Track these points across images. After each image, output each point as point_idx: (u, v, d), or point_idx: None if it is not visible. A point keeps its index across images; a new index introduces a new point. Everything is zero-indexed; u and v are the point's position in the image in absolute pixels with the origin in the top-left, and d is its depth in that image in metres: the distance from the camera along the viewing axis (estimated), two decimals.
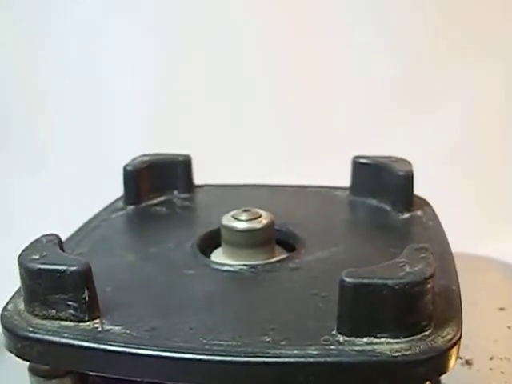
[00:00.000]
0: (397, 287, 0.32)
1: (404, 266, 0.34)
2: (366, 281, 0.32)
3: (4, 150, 0.92)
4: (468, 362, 0.43)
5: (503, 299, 0.51)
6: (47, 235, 0.39)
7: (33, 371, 0.38)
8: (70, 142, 0.91)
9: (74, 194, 0.74)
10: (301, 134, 0.85)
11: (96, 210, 0.51)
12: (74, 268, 0.35)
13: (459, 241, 0.47)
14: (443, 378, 0.40)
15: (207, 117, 0.85)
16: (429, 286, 0.33)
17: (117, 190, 0.52)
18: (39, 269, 0.35)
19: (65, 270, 0.35)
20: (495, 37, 0.87)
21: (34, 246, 0.38)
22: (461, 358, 0.43)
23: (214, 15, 0.86)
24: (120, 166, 0.51)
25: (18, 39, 0.91)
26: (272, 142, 0.84)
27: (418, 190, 0.50)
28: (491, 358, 0.43)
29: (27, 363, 0.38)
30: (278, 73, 0.87)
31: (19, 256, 0.36)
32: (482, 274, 0.56)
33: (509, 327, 0.47)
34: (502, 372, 0.42)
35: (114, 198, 0.53)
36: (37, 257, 0.36)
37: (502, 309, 0.50)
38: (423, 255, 0.35)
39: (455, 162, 0.86)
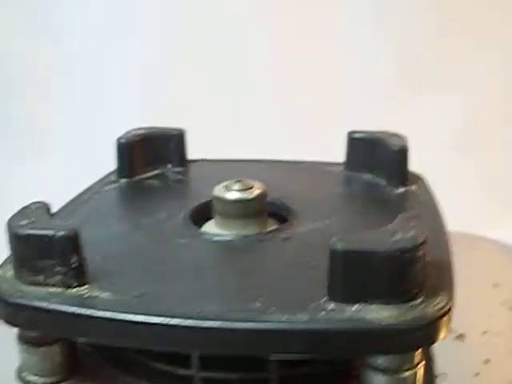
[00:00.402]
0: (387, 253, 0.32)
1: (395, 233, 0.33)
2: (356, 247, 0.32)
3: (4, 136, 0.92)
4: (461, 336, 0.42)
5: (498, 276, 0.51)
6: (36, 202, 0.39)
7: (21, 339, 0.38)
8: (70, 126, 0.91)
9: (73, 175, 0.73)
10: (298, 114, 0.85)
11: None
12: (63, 233, 0.34)
13: (457, 222, 0.47)
14: (436, 351, 0.40)
15: (203, 92, 0.84)
16: (420, 253, 0.33)
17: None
18: (28, 234, 0.35)
19: (53, 235, 0.34)
20: (496, 25, 0.86)
21: (23, 212, 0.37)
22: (453, 331, 0.42)
23: None
24: None
25: (17, 20, 0.90)
26: (269, 118, 0.84)
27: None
28: (484, 333, 0.43)
29: (15, 334, 0.38)
30: (278, 48, 0.86)
31: (8, 221, 0.36)
32: (478, 252, 0.56)
33: (502, 303, 0.47)
34: (495, 346, 0.42)
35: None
36: (25, 222, 0.36)
37: (496, 285, 0.49)
38: (414, 223, 0.34)
39: (456, 149, 0.85)
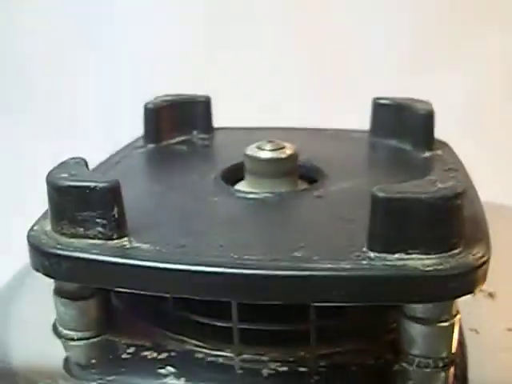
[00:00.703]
0: (429, 201, 0.32)
1: (436, 182, 0.34)
2: (398, 195, 0.32)
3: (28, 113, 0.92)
4: (491, 295, 0.43)
5: None
6: (73, 158, 0.39)
7: (58, 293, 0.38)
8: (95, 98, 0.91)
9: (95, 142, 0.73)
10: (313, 81, 0.85)
11: None
12: (104, 184, 0.35)
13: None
14: (468, 307, 0.40)
15: (227, 62, 0.85)
16: (460, 201, 0.33)
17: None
18: (69, 185, 0.35)
19: (94, 187, 0.35)
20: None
21: (62, 166, 0.38)
22: (483, 290, 0.43)
23: None
24: None
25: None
26: (293, 88, 0.84)
27: None
28: None
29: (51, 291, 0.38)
30: (299, 13, 0.86)
31: (48, 175, 0.36)
32: (506, 220, 0.56)
33: None
34: None
35: None
36: (66, 175, 0.36)
37: None
38: (453, 174, 0.35)
39: (463, 123, 0.86)
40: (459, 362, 0.36)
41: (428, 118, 0.49)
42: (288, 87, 0.85)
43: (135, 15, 0.90)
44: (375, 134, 0.52)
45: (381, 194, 0.33)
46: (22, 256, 0.38)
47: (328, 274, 0.32)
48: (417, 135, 0.49)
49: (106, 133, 0.81)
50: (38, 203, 0.39)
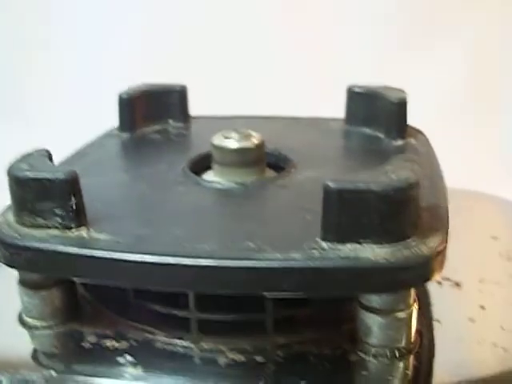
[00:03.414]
0: (380, 192, 0.32)
1: (388, 172, 0.34)
2: (349, 186, 0.33)
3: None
4: (457, 284, 0.43)
5: (497, 229, 0.51)
6: (38, 150, 0.39)
7: (22, 283, 0.38)
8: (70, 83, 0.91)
9: (71, 131, 0.74)
10: (299, 69, 0.85)
11: None
12: (62, 176, 0.35)
13: (458, 179, 0.47)
14: (433, 298, 0.41)
15: (202, 49, 0.85)
16: (412, 192, 0.33)
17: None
18: (27, 177, 0.35)
19: (52, 178, 0.35)
20: None
21: (24, 158, 0.38)
22: (450, 280, 0.43)
23: None
24: None
25: None
26: (270, 76, 0.84)
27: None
28: (481, 281, 0.43)
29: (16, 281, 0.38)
30: (278, 5, 0.86)
31: (9, 167, 0.37)
32: (478, 207, 0.56)
33: (500, 254, 0.47)
34: (491, 294, 0.42)
35: None
36: (25, 167, 0.36)
37: (494, 237, 0.50)
38: (408, 164, 0.35)
39: (456, 106, 0.85)
40: (419, 352, 0.36)
41: (401, 106, 0.49)
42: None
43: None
44: (350, 122, 0.52)
45: (332, 185, 0.33)
46: None
47: (277, 264, 0.32)
48: (390, 123, 0.49)
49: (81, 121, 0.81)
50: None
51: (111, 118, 0.52)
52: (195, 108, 0.55)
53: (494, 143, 0.85)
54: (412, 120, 0.50)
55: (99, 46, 0.89)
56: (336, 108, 0.53)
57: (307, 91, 0.82)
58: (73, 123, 0.83)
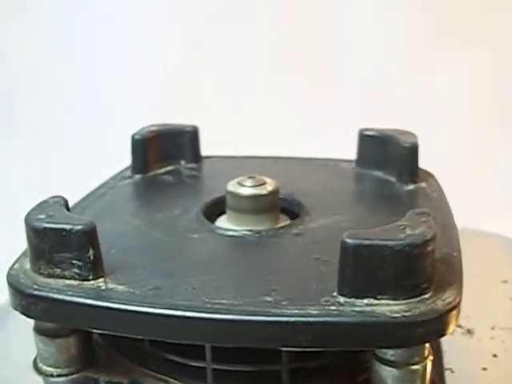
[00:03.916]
0: (397, 248, 0.32)
1: (405, 228, 0.34)
2: (366, 242, 0.33)
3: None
4: (469, 332, 0.43)
5: (507, 272, 0.52)
6: (54, 197, 0.39)
7: (38, 331, 0.38)
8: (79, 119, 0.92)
9: (83, 167, 0.74)
10: (307, 105, 0.85)
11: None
12: (80, 227, 0.35)
13: (467, 217, 0.47)
14: (445, 346, 0.41)
15: (212, 91, 0.85)
16: (429, 248, 0.33)
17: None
18: (45, 228, 0.36)
19: (70, 229, 0.35)
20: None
21: (41, 206, 0.38)
22: (462, 327, 0.43)
23: None
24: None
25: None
26: (278, 116, 0.85)
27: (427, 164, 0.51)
28: (492, 328, 0.43)
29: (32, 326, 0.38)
30: (284, 42, 0.86)
31: (26, 216, 0.37)
32: (488, 249, 0.56)
33: (511, 299, 0.47)
34: (503, 341, 0.42)
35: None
36: (43, 216, 0.37)
37: (505, 281, 0.50)
38: (424, 219, 0.35)
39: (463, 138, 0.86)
40: None
41: (412, 150, 0.49)
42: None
43: (118, 39, 0.90)
44: (361, 165, 0.53)
45: (350, 241, 0.33)
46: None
47: (295, 319, 0.32)
48: (401, 167, 0.49)
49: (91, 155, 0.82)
50: None
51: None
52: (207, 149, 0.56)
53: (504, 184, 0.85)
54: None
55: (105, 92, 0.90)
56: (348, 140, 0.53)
57: (315, 123, 0.83)
58: (87, 165, 0.83)
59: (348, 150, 0.53)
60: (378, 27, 0.87)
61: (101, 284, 0.36)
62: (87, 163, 0.79)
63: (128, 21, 0.90)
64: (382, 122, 0.53)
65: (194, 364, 0.37)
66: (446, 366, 0.40)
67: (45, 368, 0.39)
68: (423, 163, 0.50)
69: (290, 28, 0.87)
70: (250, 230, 0.42)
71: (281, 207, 0.46)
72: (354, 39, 0.87)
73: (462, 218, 0.45)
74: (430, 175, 0.50)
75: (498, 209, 0.82)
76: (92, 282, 0.36)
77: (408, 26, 0.87)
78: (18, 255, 0.39)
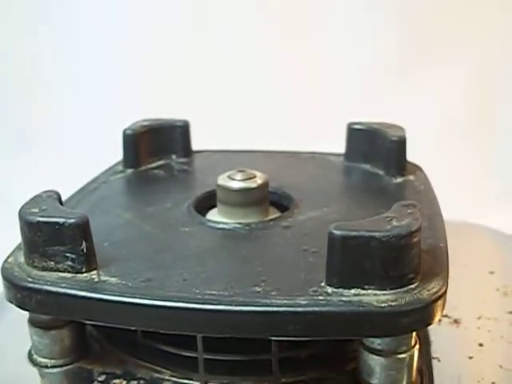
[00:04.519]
0: (383, 240, 0.33)
1: (391, 220, 0.35)
2: (353, 233, 0.33)
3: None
4: (456, 321, 0.44)
5: (494, 263, 0.52)
6: (47, 191, 0.40)
7: (32, 323, 0.39)
8: (71, 114, 0.92)
9: (75, 163, 0.75)
10: (299, 101, 0.86)
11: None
12: (73, 220, 0.36)
13: (454, 210, 0.48)
14: (432, 335, 0.41)
15: (206, 85, 0.86)
16: (415, 239, 0.34)
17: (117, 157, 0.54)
18: (38, 221, 0.36)
19: (63, 223, 0.36)
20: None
21: (34, 200, 0.39)
22: (449, 317, 0.44)
23: None
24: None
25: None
26: (269, 110, 0.85)
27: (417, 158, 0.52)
28: (479, 318, 0.44)
29: (27, 318, 0.39)
30: (278, 37, 0.87)
31: (20, 210, 0.37)
32: (474, 240, 0.57)
33: (497, 289, 0.48)
34: (489, 331, 0.43)
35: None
36: (36, 210, 0.37)
37: (491, 272, 0.51)
38: (410, 211, 0.36)
39: (455, 132, 0.87)
40: None
41: (400, 143, 0.50)
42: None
43: (113, 33, 0.91)
44: (349, 158, 0.53)
45: (337, 232, 0.34)
46: None
47: (284, 309, 0.33)
48: (389, 160, 0.50)
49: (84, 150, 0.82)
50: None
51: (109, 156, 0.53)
52: (197, 142, 0.56)
53: (493, 172, 0.86)
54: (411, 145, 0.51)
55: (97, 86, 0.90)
56: (335, 138, 0.54)
57: (306, 121, 0.83)
58: (78, 161, 0.84)
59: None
60: (366, 28, 0.88)
61: (94, 276, 0.36)
62: (79, 158, 0.79)
63: (121, 17, 0.90)
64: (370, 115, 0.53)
65: (186, 354, 0.38)
66: (433, 354, 0.40)
67: (39, 359, 0.40)
68: (411, 156, 0.51)
69: (283, 28, 0.88)
70: (240, 223, 0.43)
71: (270, 200, 0.46)
72: (346, 40, 0.88)
73: (449, 210, 0.46)
74: (418, 168, 0.51)
75: (484, 201, 0.82)
76: (85, 274, 0.37)
77: (399, 27, 0.88)
78: (12, 249, 0.40)
